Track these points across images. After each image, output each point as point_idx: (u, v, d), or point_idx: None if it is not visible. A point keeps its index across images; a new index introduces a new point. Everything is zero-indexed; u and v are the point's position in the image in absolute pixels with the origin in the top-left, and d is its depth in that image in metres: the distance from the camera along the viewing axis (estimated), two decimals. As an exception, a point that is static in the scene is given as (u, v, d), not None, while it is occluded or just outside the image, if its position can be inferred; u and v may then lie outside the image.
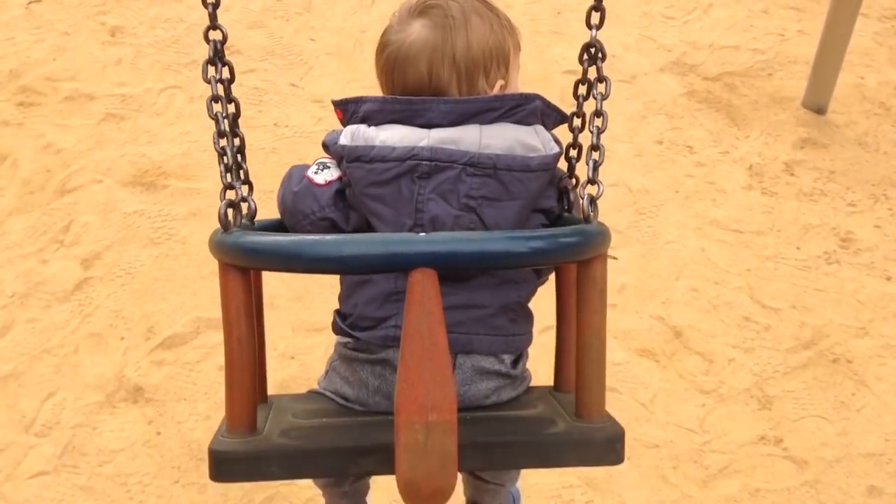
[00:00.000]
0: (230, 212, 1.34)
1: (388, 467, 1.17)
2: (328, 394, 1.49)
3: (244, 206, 1.42)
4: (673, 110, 4.01)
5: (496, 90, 1.46)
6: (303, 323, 2.97)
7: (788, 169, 3.73)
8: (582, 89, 1.53)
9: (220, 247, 1.27)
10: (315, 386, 1.55)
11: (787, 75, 4.26)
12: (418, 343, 1.13)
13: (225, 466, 1.30)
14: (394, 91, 1.45)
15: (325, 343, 2.90)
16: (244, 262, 1.26)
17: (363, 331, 1.40)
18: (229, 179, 1.36)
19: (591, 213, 1.37)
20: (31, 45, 4.15)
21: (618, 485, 2.56)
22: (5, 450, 2.58)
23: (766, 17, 4.68)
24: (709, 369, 2.90)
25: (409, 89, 1.43)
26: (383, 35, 1.48)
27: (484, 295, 1.39)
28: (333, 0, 4.52)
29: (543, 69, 4.12)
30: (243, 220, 1.41)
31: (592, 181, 1.40)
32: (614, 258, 3.27)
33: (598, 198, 1.37)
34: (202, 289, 3.07)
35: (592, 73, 1.47)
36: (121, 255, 3.18)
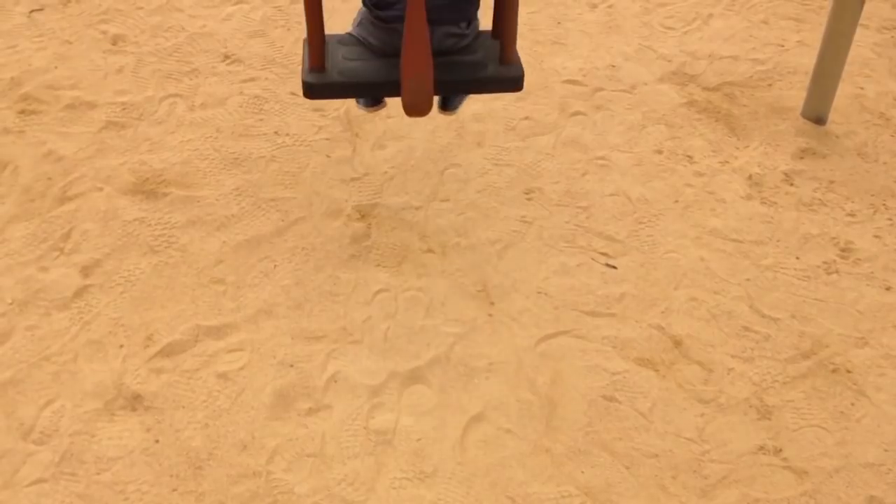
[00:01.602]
0: None
1: (397, 93, 2.34)
2: (360, 38, 2.51)
3: None
4: (672, 120, 4.02)
5: None
6: (302, 331, 2.97)
7: (788, 179, 3.74)
8: None
9: None
10: (351, 32, 2.59)
11: (786, 85, 4.27)
12: (412, 34, 2.15)
13: (312, 90, 2.40)
14: None
15: (325, 352, 2.90)
16: None
17: (382, 9, 2.39)
18: None
19: None
20: (32, 53, 4.17)
21: (616, 494, 2.56)
22: (3, 457, 2.57)
23: (766, 28, 4.70)
24: (708, 379, 2.89)
25: None
26: None
27: None
28: (334, 10, 4.54)
29: (543, 79, 4.13)
30: None
31: None
32: (613, 267, 3.27)
33: None
34: (202, 297, 3.08)
35: None
36: (121, 263, 3.18)
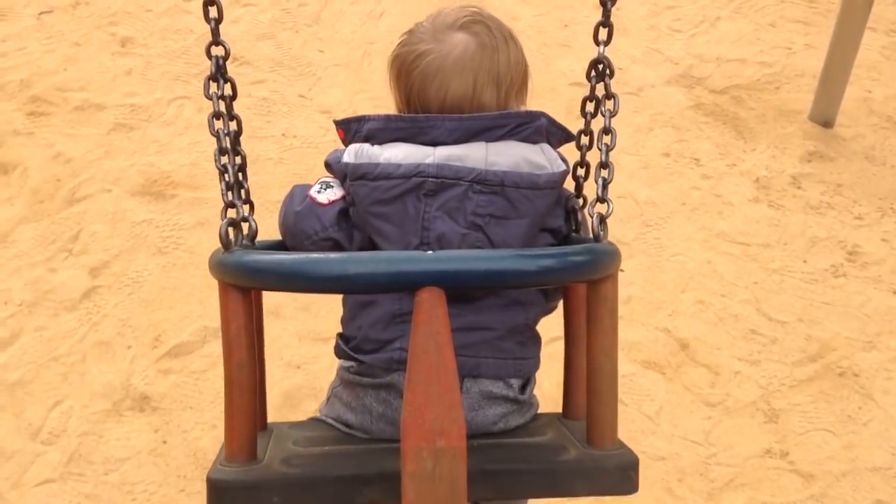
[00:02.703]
0: (231, 230, 1.31)
1: (394, 497, 1.11)
2: (330, 420, 1.44)
3: (245, 225, 1.37)
4: (680, 123, 4.02)
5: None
6: (309, 332, 2.98)
7: (795, 182, 3.73)
8: (590, 106, 1.48)
9: (221, 266, 1.24)
10: (317, 413, 1.51)
11: (794, 88, 4.26)
12: (426, 364, 1.08)
13: (225, 496, 1.24)
14: (412, 100, 1.40)
15: (332, 352, 2.90)
16: (246, 282, 1.22)
17: (367, 354, 1.36)
18: (230, 197, 1.34)
19: (601, 232, 1.34)
20: (41, 55, 4.19)
21: (623, 497, 2.56)
22: (12, 457, 2.58)
23: (774, 31, 4.69)
24: (715, 382, 2.89)
25: (445, 101, 1.37)
26: (411, 44, 1.41)
27: (491, 317, 1.35)
28: (342, 12, 4.55)
29: (551, 81, 4.13)
30: (244, 241, 1.37)
31: (602, 199, 1.38)
32: (621, 270, 3.27)
33: (607, 216, 1.34)
34: (209, 298, 3.08)
35: (600, 90, 1.43)
36: (129, 264, 3.19)
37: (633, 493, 1.32)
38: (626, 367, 2.92)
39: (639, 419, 2.77)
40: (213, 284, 3.25)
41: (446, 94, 1.37)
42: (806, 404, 2.84)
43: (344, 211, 1.38)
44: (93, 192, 3.49)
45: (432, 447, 1.06)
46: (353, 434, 1.39)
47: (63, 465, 2.57)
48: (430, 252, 1.22)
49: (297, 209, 1.40)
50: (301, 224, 1.39)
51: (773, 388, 2.88)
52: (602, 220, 1.35)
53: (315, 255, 1.24)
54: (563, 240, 1.46)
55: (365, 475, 1.26)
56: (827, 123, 4.03)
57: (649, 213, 3.52)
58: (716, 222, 3.51)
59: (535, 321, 1.46)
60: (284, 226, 1.45)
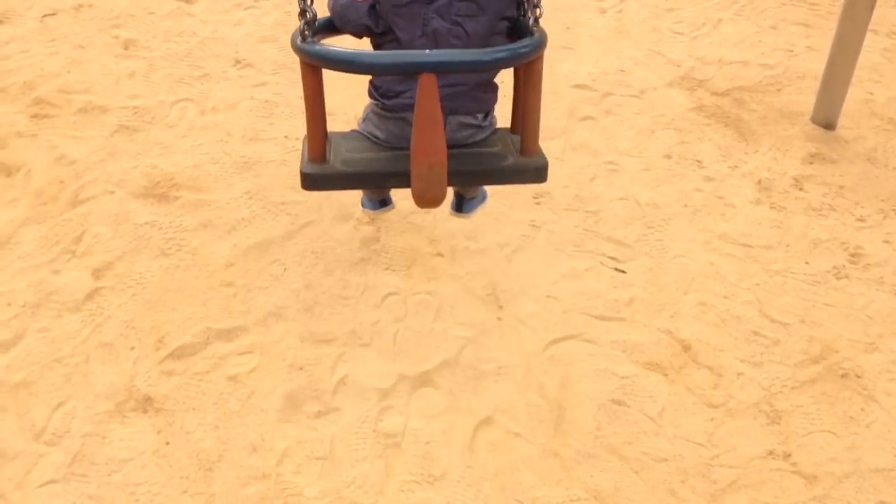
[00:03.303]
0: (306, 27, 2.07)
1: (406, 185, 2.09)
2: (366, 133, 2.32)
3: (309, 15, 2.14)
4: (682, 125, 4.03)
5: None
6: (311, 334, 2.98)
7: (797, 184, 3.73)
8: None
9: (302, 51, 2.03)
10: (356, 127, 2.41)
11: (795, 91, 4.27)
12: (425, 118, 1.96)
13: (311, 181, 2.17)
14: None
15: (334, 355, 2.91)
16: (317, 64, 2.03)
17: (389, 98, 2.22)
18: (303, 5, 2.09)
19: (535, 29, 2.09)
20: (45, 57, 4.20)
21: (625, 498, 2.56)
22: (15, 458, 2.59)
23: (775, 33, 4.70)
24: (717, 383, 2.89)
25: None
26: None
27: (465, 77, 2.22)
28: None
29: (553, 84, 4.14)
30: (309, 26, 2.11)
31: (536, 5, 2.09)
32: (622, 271, 3.28)
33: (539, 17, 2.08)
34: (212, 299, 3.09)
35: None
36: (132, 266, 3.20)
37: (542, 182, 2.26)
38: (628, 368, 2.92)
39: (641, 420, 2.77)
40: (216, 286, 3.29)
41: None
42: (808, 406, 2.84)
43: (372, 6, 2.17)
44: (96, 193, 3.50)
45: (427, 161, 2.02)
46: (379, 143, 2.28)
47: (66, 466, 2.57)
48: (426, 51, 2.02)
49: (343, 2, 2.20)
50: (345, 13, 2.21)
51: (776, 389, 2.88)
52: (535, 20, 2.09)
53: (359, 52, 2.00)
54: (515, 23, 2.26)
55: (390, 172, 2.20)
56: (829, 125, 4.04)
57: (651, 215, 3.53)
58: (718, 224, 3.51)
59: (494, 76, 2.33)
60: (333, 11, 2.24)
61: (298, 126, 3.88)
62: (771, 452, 2.70)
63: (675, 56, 4.44)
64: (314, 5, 2.14)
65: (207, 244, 3.30)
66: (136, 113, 3.92)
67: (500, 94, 2.44)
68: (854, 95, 4.07)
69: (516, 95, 2.35)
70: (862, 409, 2.84)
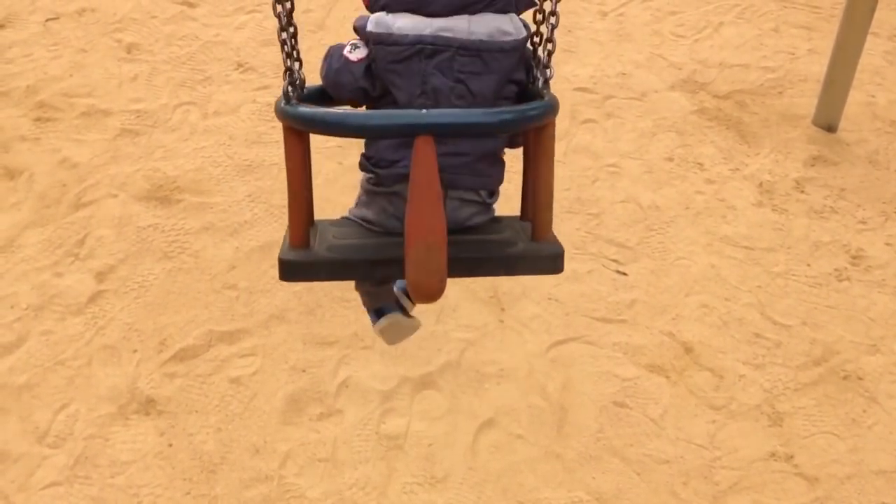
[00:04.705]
0: (290, 88, 1.82)
1: (400, 274, 1.69)
2: (356, 219, 2.00)
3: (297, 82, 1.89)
4: (683, 127, 4.03)
5: None
6: (314, 336, 2.99)
7: (799, 186, 3.74)
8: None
9: (285, 115, 1.74)
10: (346, 215, 2.07)
11: (797, 93, 4.27)
12: (421, 190, 1.64)
13: (289, 270, 1.83)
14: None
15: (336, 357, 2.92)
16: (302, 127, 1.73)
17: (382, 168, 1.91)
18: (289, 64, 1.83)
19: (545, 92, 1.83)
20: (48, 61, 4.22)
21: (627, 500, 2.56)
22: (18, 460, 2.60)
23: (777, 36, 4.70)
24: (719, 385, 2.89)
25: None
26: None
27: (467, 146, 1.90)
28: (346, 18, 4.57)
29: (554, 86, 4.14)
30: (297, 91, 1.87)
31: (546, 66, 1.84)
32: (624, 274, 3.28)
33: (550, 79, 1.84)
34: (214, 302, 3.10)
35: None
36: (135, 269, 3.21)
37: (558, 272, 1.89)
38: (630, 370, 2.93)
39: (643, 422, 2.77)
40: (219, 289, 3.29)
41: None
42: (810, 408, 2.84)
43: (368, 66, 1.89)
44: (99, 197, 3.51)
45: (425, 242, 1.64)
46: (372, 229, 1.97)
47: (69, 469, 2.58)
48: (424, 111, 1.72)
49: (336, 66, 1.91)
50: (339, 77, 1.91)
51: (778, 391, 2.88)
52: (545, 82, 1.83)
53: (350, 112, 1.79)
54: (524, 89, 1.96)
55: (381, 259, 1.86)
56: (830, 128, 4.04)
57: (653, 218, 3.53)
58: (719, 226, 3.51)
59: (500, 150, 1.99)
60: (326, 78, 1.95)
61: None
62: (773, 454, 2.70)
63: (676, 59, 4.45)
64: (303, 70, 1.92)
65: (210, 247, 3.31)
66: (138, 116, 3.93)
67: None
68: (855, 98, 4.08)
69: (526, 170, 2.02)
70: (864, 411, 2.84)
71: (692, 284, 3.25)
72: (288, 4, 1.86)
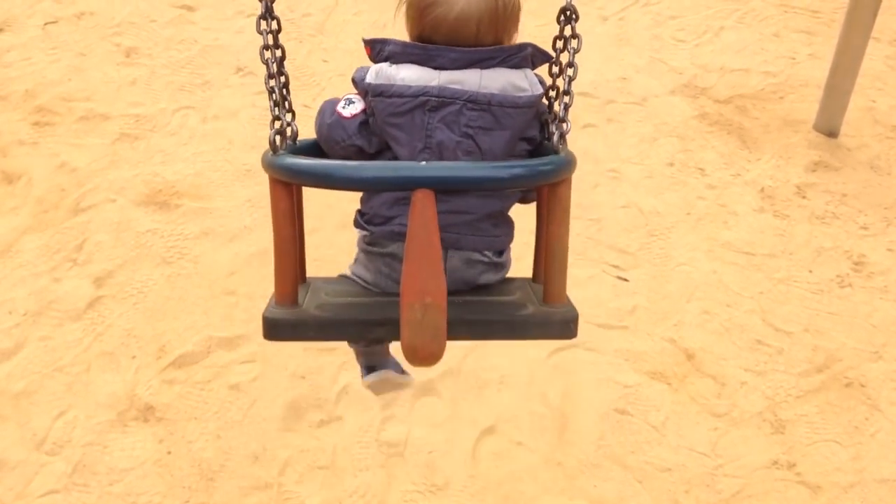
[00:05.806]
0: (278, 138, 1.68)
1: (395, 335, 1.54)
2: (353, 277, 1.85)
3: (289, 129, 1.76)
4: (684, 132, 4.02)
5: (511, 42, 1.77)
6: (314, 343, 2.97)
7: (800, 192, 3.73)
8: (559, 44, 1.78)
9: (270, 166, 1.62)
10: (345, 272, 1.93)
11: (798, 98, 4.26)
12: (418, 245, 1.49)
13: (274, 329, 1.68)
14: (424, 38, 1.70)
15: (336, 363, 2.90)
16: (289, 180, 1.61)
17: (377, 226, 1.76)
18: (276, 112, 1.70)
19: (560, 146, 1.68)
20: (46, 65, 4.20)
21: (629, 508, 2.55)
22: (16, 468, 2.58)
23: (777, 41, 4.70)
24: (721, 392, 2.88)
25: (452, 41, 1.68)
26: None
27: (472, 203, 1.73)
28: (346, 22, 4.57)
29: (555, 91, 4.14)
30: (288, 142, 1.75)
31: (563, 119, 1.69)
32: (625, 280, 3.27)
33: (566, 133, 1.69)
34: (214, 308, 3.08)
35: (567, 31, 1.72)
36: (133, 274, 3.19)
37: (571, 338, 1.74)
38: (631, 377, 2.91)
39: (644, 430, 2.76)
40: (218, 294, 3.27)
41: (454, 39, 1.68)
42: (812, 415, 2.82)
43: (364, 122, 1.74)
44: (97, 201, 3.49)
45: (421, 302, 1.49)
46: (369, 288, 1.81)
47: (67, 476, 2.56)
48: (423, 163, 1.57)
49: (328, 122, 1.79)
50: (331, 133, 1.79)
51: (780, 398, 2.87)
52: (562, 136, 1.68)
53: (338, 163, 1.64)
54: (537, 146, 1.81)
55: (375, 319, 1.70)
56: (832, 133, 4.03)
57: (654, 223, 3.52)
58: (721, 232, 3.50)
59: (508, 208, 1.84)
60: (319, 134, 1.85)
61: (302, 134, 3.86)
62: (775, 462, 2.69)
63: (677, 64, 4.44)
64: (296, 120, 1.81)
65: (209, 252, 3.29)
66: (137, 121, 3.91)
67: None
68: (857, 103, 4.07)
69: (539, 230, 1.89)
70: (866, 419, 2.82)
71: (693, 290, 3.24)
72: (278, 52, 1.78)
